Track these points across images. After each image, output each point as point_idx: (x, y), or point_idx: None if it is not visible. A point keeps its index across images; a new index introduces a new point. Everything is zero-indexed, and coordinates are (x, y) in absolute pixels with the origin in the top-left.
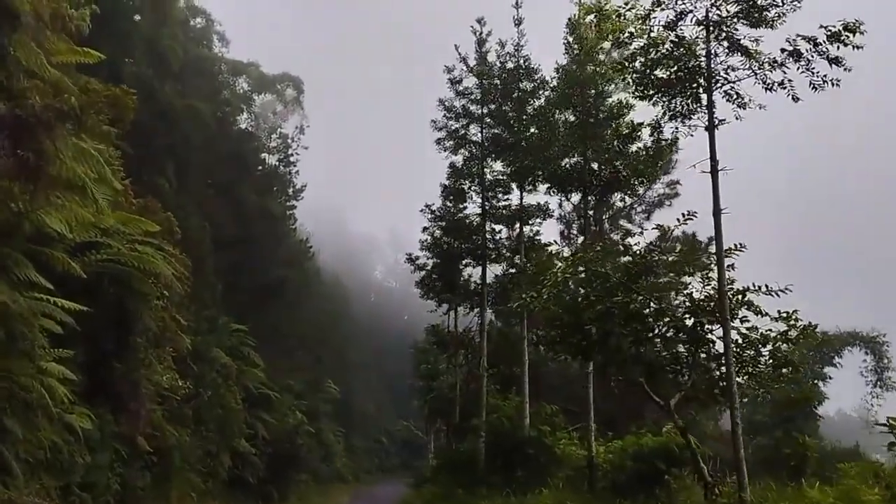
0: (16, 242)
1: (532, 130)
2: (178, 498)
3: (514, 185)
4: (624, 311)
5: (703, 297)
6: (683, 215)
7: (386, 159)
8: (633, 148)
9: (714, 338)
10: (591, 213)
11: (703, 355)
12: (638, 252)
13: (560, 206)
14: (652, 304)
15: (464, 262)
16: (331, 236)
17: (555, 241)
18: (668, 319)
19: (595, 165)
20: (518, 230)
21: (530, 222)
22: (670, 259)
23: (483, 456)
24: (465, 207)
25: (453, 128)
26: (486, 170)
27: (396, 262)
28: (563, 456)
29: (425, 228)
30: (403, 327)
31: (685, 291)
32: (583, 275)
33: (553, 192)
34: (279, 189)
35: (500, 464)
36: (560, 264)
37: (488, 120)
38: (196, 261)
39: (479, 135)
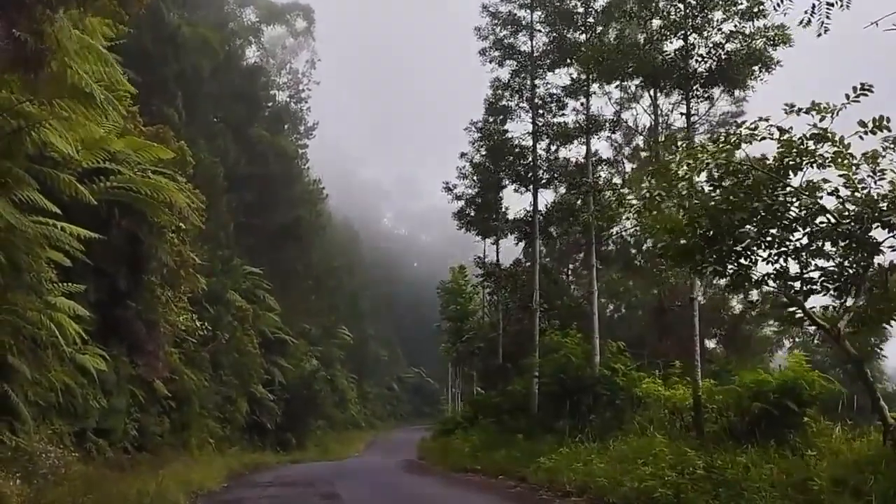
0: (16, 160)
1: (617, 23)
2: (196, 445)
3: (568, 100)
4: (776, 213)
5: (880, 194)
6: (854, 90)
7: (396, 103)
8: (750, 28)
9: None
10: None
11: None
12: (793, 139)
13: (616, 122)
14: (816, 203)
15: (509, 187)
16: (339, 181)
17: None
18: (824, 224)
19: (703, 51)
20: (585, 144)
21: (597, 135)
22: (834, 148)
23: (537, 399)
24: (506, 131)
25: (501, 35)
26: (537, 82)
27: (406, 208)
28: (644, 398)
29: (463, 154)
30: (414, 274)
31: (859, 188)
32: (714, 171)
33: (644, 87)
34: (290, 126)
35: (569, 407)
36: (704, 153)
37: (539, 27)
38: (209, 197)
39: (529, 44)
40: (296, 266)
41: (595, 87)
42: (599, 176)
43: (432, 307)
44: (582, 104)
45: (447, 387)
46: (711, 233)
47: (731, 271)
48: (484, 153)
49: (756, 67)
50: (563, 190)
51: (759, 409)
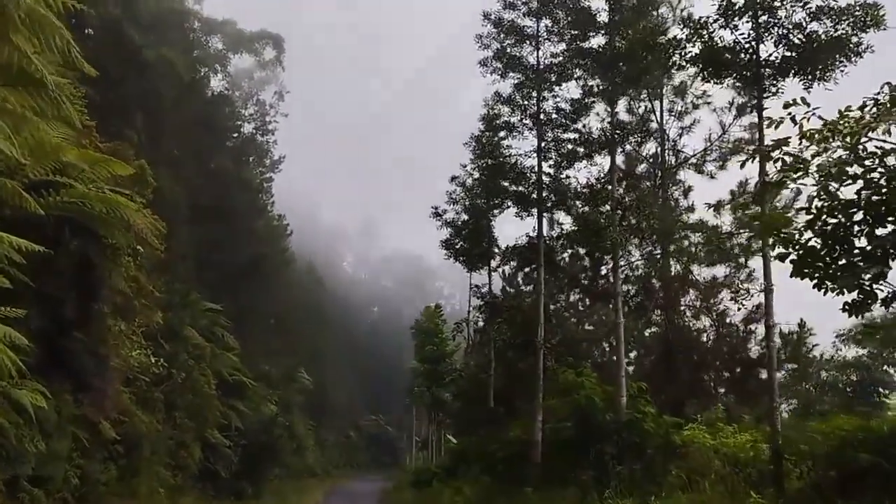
0: None
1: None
2: (145, 495)
3: (577, 114)
4: None
5: None
6: None
7: (356, 146)
8: (840, 3)
9: None
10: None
11: None
12: None
13: (646, 130)
14: None
15: (506, 212)
16: (299, 221)
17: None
18: None
19: (778, 32)
20: (610, 158)
21: (621, 147)
22: None
23: (541, 447)
24: (508, 146)
25: (505, 43)
26: (545, 94)
27: (367, 253)
28: (682, 446)
29: (454, 178)
30: (373, 319)
31: None
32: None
33: (707, 76)
34: (255, 159)
35: (594, 456)
36: (836, 130)
37: (548, 36)
38: (169, 226)
39: (535, 55)
40: (257, 304)
41: (600, 108)
42: (639, 189)
43: (392, 352)
44: (585, 126)
45: (409, 435)
46: (841, 232)
47: (858, 284)
48: (477, 176)
49: (838, 55)
50: (563, 215)
51: (867, 461)
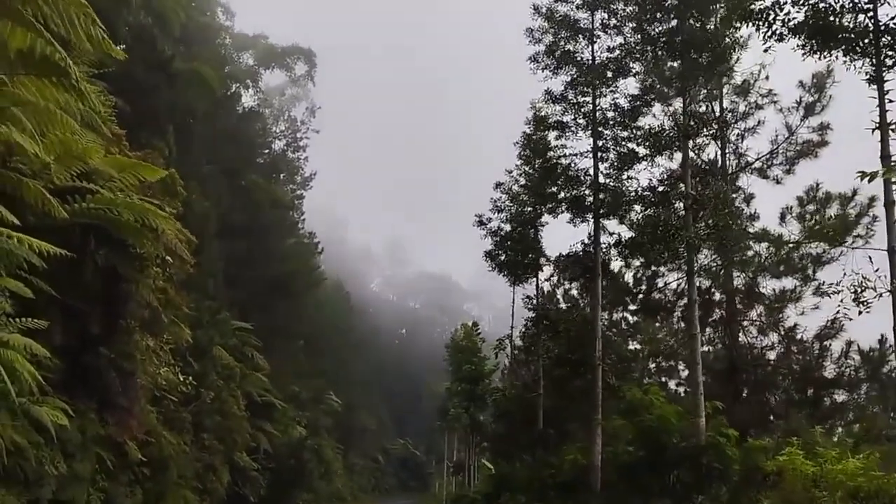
0: None
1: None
2: None
3: (643, 112)
4: None
5: None
6: None
7: (385, 166)
8: None
9: None
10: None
11: None
12: None
13: (724, 121)
14: None
15: (558, 218)
16: (327, 242)
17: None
18: None
19: None
20: (682, 151)
21: (695, 142)
22: None
23: (600, 473)
24: (557, 148)
25: (559, 37)
26: (602, 90)
27: (394, 274)
28: (774, 473)
29: (499, 185)
30: (402, 341)
31: None
32: None
33: (813, 48)
34: (287, 175)
35: (672, 483)
36: None
37: (606, 31)
38: (199, 241)
39: (590, 50)
40: (286, 324)
41: (656, 109)
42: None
43: (419, 375)
44: (635, 130)
45: (438, 459)
46: None
47: None
48: (524, 182)
49: None
50: (616, 224)
51: None
